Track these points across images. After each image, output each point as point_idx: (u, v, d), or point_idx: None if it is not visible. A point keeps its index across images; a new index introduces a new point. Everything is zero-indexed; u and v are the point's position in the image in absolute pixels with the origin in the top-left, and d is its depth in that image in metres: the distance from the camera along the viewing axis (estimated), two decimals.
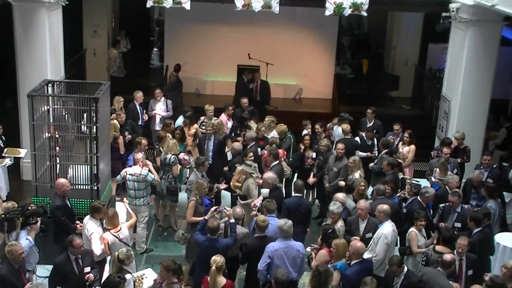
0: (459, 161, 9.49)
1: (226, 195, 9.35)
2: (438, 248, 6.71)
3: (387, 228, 6.93)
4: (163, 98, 11.23)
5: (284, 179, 9.17)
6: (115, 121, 9.57)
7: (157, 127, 10.93)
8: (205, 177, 8.29)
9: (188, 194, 8.26)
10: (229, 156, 10.00)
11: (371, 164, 9.36)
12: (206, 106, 10.50)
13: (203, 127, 9.78)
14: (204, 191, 7.41)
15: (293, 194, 8.00)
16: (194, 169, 8.45)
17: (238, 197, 8.09)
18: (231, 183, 8.52)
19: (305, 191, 8.71)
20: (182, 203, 8.67)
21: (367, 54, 15.43)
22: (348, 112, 10.85)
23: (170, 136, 9.26)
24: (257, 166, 8.61)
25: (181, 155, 9.01)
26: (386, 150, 9.40)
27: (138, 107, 10.85)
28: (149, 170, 8.22)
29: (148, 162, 8.38)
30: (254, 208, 7.80)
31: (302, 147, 9.66)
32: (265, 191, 7.67)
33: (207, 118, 10.18)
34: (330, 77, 14.60)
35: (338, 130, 10.35)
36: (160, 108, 11.13)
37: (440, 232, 6.97)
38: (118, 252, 6.14)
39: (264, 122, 10.15)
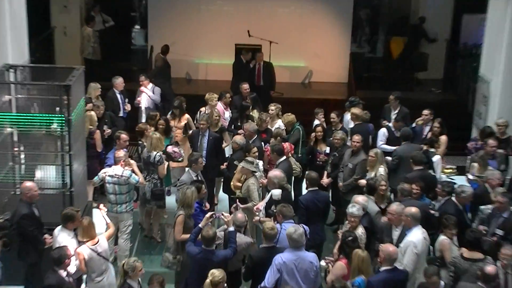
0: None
1: (223, 198, 9.28)
2: (467, 254, 6.63)
3: (417, 235, 6.85)
4: (150, 85, 11.21)
5: (292, 178, 9.14)
6: (92, 113, 9.52)
7: (143, 119, 10.87)
8: (201, 177, 8.25)
9: (177, 197, 8.21)
10: (228, 151, 9.98)
11: (386, 158, 9.32)
12: (208, 95, 10.44)
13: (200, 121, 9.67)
14: (192, 204, 7.30)
15: (304, 189, 7.97)
16: (187, 168, 8.40)
17: (237, 200, 8.06)
18: (231, 184, 8.51)
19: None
20: (172, 209, 8.61)
21: (402, 31, 15.28)
22: (367, 99, 10.82)
23: (153, 130, 9.24)
24: (259, 163, 8.59)
25: (169, 148, 8.95)
26: (405, 143, 9.35)
27: (118, 96, 10.77)
28: (133, 171, 8.16)
29: (132, 162, 8.33)
30: (257, 213, 7.77)
31: (313, 139, 9.62)
32: (277, 192, 7.62)
33: (210, 108, 10.15)
34: (345, 57, 14.54)
35: (346, 117, 10.33)
36: (145, 96, 11.13)
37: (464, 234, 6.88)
38: (125, 261, 6.21)
39: (270, 111, 10.12)
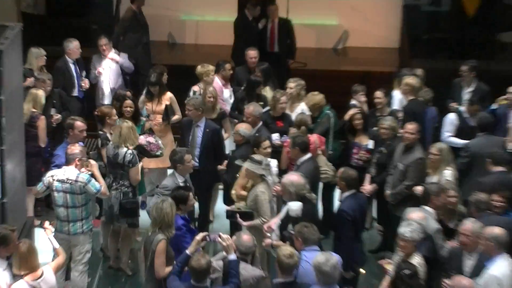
0: None
1: (220, 212, 9.23)
2: None
3: (502, 268, 6.80)
4: (113, 51, 11.24)
5: (320, 184, 9.14)
6: (39, 92, 9.55)
7: (107, 100, 10.89)
8: (189, 183, 8.28)
9: (148, 208, 8.19)
10: (228, 146, 10.01)
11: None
12: (200, 68, 10.49)
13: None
14: (173, 222, 7.24)
15: (338, 194, 8.04)
16: (171, 170, 8.46)
17: (237, 214, 8.06)
18: (233, 192, 8.54)
19: None
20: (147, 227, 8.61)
21: None
22: (429, 70, 10.82)
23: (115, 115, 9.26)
24: (272, 163, 8.57)
25: (142, 138, 8.93)
26: (482, 134, 9.35)
27: (72, 67, 10.86)
28: (92, 175, 8.16)
29: (92, 162, 8.32)
30: (268, 234, 7.78)
31: (344, 119, 9.67)
32: (295, 206, 7.56)
33: (205, 86, 10.21)
34: (395, 12, 14.66)
35: (395, 97, 10.41)
36: (110, 67, 11.18)
37: None
38: None
39: (289, 90, 10.15)
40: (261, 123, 9.35)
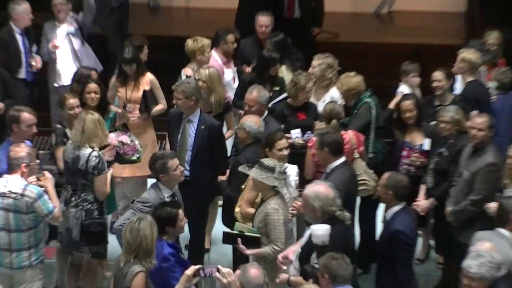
0: None
1: (220, 237, 9.22)
2: None
3: None
4: (71, 15, 11.35)
5: (359, 200, 9.22)
6: None
7: (62, 81, 11.07)
8: (178, 197, 8.35)
9: (115, 228, 8.22)
10: (230, 149, 10.05)
11: None
12: (191, 43, 10.58)
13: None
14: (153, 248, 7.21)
15: (382, 212, 8.08)
16: (152, 180, 8.51)
17: (239, 239, 8.04)
18: (237, 209, 8.59)
19: None
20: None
21: None
22: (508, 43, 10.90)
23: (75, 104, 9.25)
24: (290, 170, 8.59)
25: (112, 137, 8.95)
26: None
27: (19, 39, 11.04)
28: (46, 191, 8.13)
29: (48, 175, 8.35)
30: (284, 266, 7.74)
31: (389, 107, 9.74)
32: (320, 231, 7.48)
33: (199, 66, 10.35)
34: None
35: (459, 78, 10.48)
36: (70, 35, 11.32)
37: None
38: None
39: (312, 69, 10.17)
40: (266, 113, 9.39)
